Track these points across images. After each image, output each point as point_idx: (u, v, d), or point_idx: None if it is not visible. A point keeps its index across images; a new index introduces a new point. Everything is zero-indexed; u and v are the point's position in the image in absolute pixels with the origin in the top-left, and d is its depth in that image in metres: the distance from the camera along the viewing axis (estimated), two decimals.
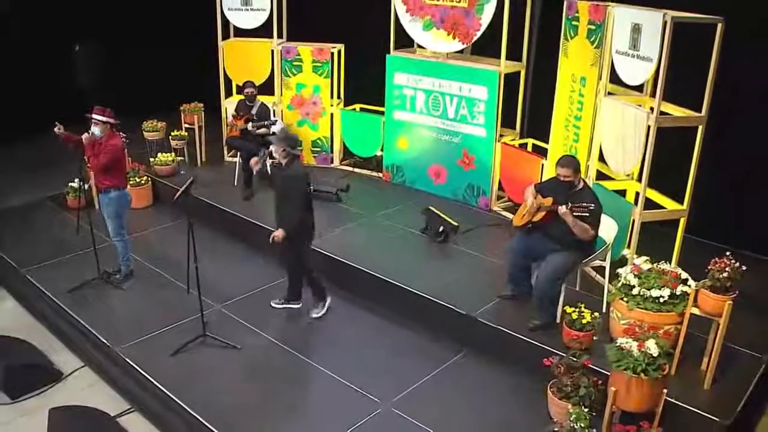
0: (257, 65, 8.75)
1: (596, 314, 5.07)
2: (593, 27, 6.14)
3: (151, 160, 8.70)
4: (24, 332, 6.03)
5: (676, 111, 5.68)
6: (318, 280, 5.97)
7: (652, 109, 5.44)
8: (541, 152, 7.33)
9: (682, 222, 5.76)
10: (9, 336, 5.89)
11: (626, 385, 4.29)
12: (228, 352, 5.51)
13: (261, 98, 8.30)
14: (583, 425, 4.24)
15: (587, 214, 5.02)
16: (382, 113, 8.51)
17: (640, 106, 5.77)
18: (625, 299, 4.91)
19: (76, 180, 7.61)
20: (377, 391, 5.05)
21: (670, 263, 5.21)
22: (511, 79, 7.50)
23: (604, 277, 5.61)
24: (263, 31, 8.65)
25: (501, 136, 7.64)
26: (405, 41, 8.15)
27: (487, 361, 5.42)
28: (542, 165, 6.97)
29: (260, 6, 8.54)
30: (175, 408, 4.93)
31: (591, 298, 5.62)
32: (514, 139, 7.80)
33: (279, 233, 5.53)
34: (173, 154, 8.81)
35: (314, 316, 6.00)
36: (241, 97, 8.30)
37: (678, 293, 4.80)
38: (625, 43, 5.63)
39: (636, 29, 5.48)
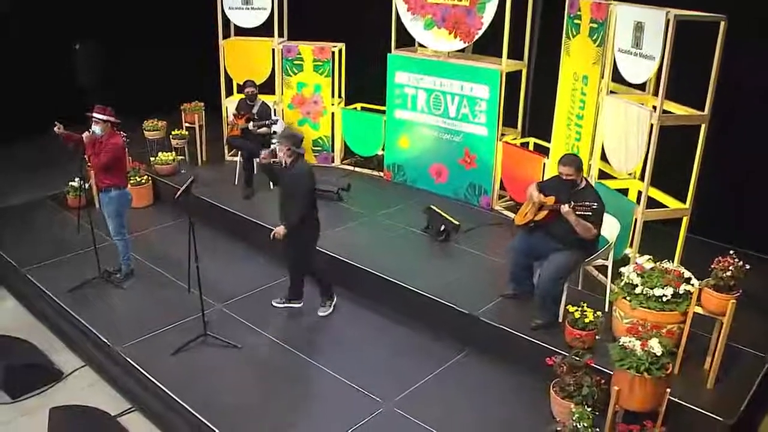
0: (258, 64, 8.74)
1: (599, 313, 5.05)
2: (595, 25, 6.13)
3: (152, 159, 8.69)
4: (24, 332, 6.02)
5: (678, 109, 5.67)
6: (325, 279, 5.97)
7: (654, 107, 5.43)
8: (543, 151, 7.31)
9: (685, 221, 5.75)
10: (9, 335, 5.88)
11: (629, 385, 4.27)
12: (229, 351, 5.50)
13: (262, 97, 8.28)
14: (585, 425, 4.22)
15: (590, 213, 5.00)
16: (383, 112, 8.49)
17: (642, 104, 5.75)
18: (628, 298, 4.89)
19: (77, 179, 7.61)
20: (379, 391, 5.03)
21: (672, 262, 5.19)
22: (512, 78, 7.48)
23: (606, 276, 5.59)
24: (264, 30, 8.64)
25: (502, 135, 7.62)
26: (406, 40, 8.14)
27: (490, 360, 5.41)
28: (544, 164, 6.96)
29: (261, 5, 8.52)
30: (176, 407, 4.91)
31: (593, 298, 5.60)
32: (515, 138, 7.78)
33: (280, 230, 5.56)
34: (174, 153, 8.79)
35: (321, 314, 5.99)
36: (242, 96, 8.28)
37: (681, 292, 4.79)
38: (628, 41, 5.61)
39: (638, 27, 5.47)
